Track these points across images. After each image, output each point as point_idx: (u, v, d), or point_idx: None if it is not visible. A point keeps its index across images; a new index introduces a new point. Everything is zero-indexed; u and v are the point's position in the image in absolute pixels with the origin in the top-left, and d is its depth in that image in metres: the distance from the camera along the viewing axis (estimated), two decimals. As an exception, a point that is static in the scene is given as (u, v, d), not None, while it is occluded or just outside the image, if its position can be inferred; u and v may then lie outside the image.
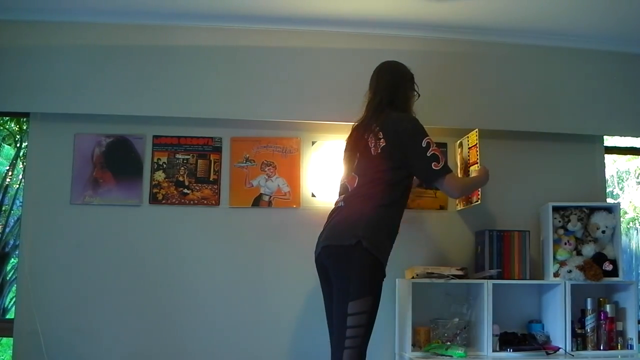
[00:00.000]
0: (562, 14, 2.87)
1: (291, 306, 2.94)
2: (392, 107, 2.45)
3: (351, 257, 2.21)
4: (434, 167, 2.34)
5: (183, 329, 2.88)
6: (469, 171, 2.89)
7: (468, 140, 2.95)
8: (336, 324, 2.24)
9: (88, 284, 2.87)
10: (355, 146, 2.48)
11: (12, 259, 4.45)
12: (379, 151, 2.35)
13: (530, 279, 2.88)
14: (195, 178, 2.99)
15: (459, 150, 3.07)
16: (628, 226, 5.52)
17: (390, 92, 2.48)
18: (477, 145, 2.83)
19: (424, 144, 2.35)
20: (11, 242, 4.50)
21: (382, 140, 2.35)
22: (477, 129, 2.87)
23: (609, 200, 4.05)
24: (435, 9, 2.85)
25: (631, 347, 2.83)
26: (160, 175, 2.98)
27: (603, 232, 2.92)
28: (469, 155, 2.93)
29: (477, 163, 2.81)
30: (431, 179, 2.38)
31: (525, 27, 3.03)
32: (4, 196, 4.43)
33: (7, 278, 4.48)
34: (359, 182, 2.38)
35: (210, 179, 3.00)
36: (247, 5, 2.84)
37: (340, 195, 2.48)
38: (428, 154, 2.34)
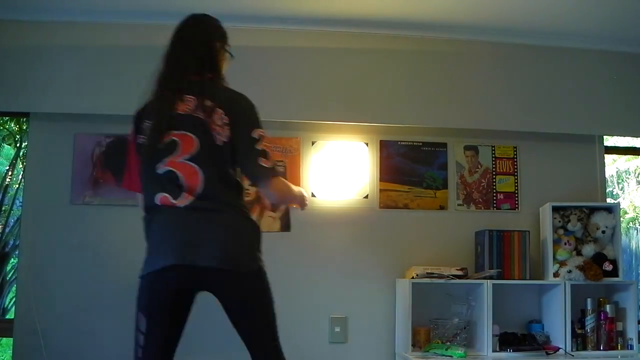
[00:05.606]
0: (562, 13, 2.87)
1: (291, 305, 2.93)
2: (218, 76, 1.99)
3: None
4: (263, 164, 1.85)
5: (183, 329, 2.88)
6: (494, 181, 3.08)
7: (494, 150, 3.11)
8: None
9: (88, 284, 2.86)
10: (182, 125, 1.84)
11: (12, 259, 4.44)
12: (225, 140, 1.82)
13: (530, 279, 2.88)
14: (195, 178, 2.98)
15: (470, 153, 3.13)
16: (628, 226, 5.52)
17: (210, 53, 2.01)
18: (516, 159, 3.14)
19: (256, 136, 1.86)
20: (11, 242, 4.50)
21: (228, 125, 1.83)
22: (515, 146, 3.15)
23: (609, 200, 4.05)
24: (434, 9, 2.85)
25: (631, 347, 2.83)
26: (160, 175, 2.97)
27: (603, 232, 2.92)
28: (494, 165, 3.11)
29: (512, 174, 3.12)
30: (259, 177, 1.89)
31: (525, 27, 3.02)
32: (4, 196, 4.42)
33: (7, 278, 4.47)
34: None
35: (210, 179, 2.99)
36: (247, 5, 2.84)
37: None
38: (258, 147, 1.85)
